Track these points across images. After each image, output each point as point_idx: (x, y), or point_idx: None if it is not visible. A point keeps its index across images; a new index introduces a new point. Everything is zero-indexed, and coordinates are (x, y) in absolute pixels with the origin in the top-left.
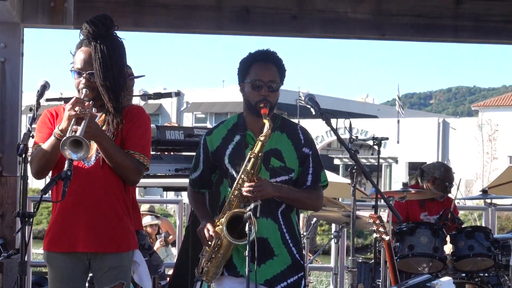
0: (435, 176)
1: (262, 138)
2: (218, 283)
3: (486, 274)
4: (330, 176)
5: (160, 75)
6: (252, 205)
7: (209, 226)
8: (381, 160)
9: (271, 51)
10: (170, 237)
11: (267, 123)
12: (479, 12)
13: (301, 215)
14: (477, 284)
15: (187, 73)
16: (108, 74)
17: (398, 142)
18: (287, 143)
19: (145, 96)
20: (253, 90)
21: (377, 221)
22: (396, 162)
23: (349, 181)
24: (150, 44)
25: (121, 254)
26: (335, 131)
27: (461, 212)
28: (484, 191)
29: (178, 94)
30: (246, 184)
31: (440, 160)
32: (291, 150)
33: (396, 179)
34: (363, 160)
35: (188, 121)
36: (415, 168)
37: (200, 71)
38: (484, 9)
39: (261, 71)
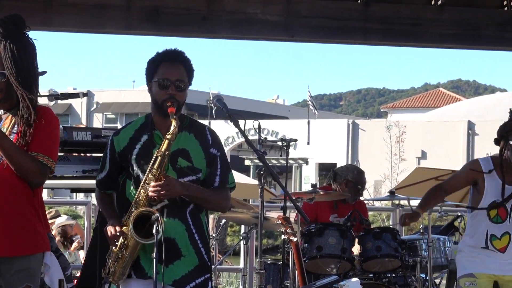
0: (348, 179)
1: (169, 137)
2: (125, 286)
3: (394, 275)
4: (241, 177)
5: (69, 75)
6: (159, 205)
7: (115, 225)
8: (291, 161)
9: (179, 50)
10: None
11: (174, 122)
12: (387, 15)
13: (211, 216)
14: (384, 284)
15: (98, 73)
16: (21, 72)
17: (308, 143)
18: (194, 143)
19: (53, 97)
20: (160, 89)
21: (285, 222)
22: (307, 163)
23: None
24: (59, 44)
25: (28, 257)
26: (243, 132)
27: (370, 213)
28: (392, 192)
29: (86, 94)
30: (153, 183)
31: (349, 161)
32: (198, 150)
33: (307, 180)
34: (274, 161)
35: (98, 121)
36: (325, 169)
37: (110, 71)
38: (393, 11)
39: (169, 71)
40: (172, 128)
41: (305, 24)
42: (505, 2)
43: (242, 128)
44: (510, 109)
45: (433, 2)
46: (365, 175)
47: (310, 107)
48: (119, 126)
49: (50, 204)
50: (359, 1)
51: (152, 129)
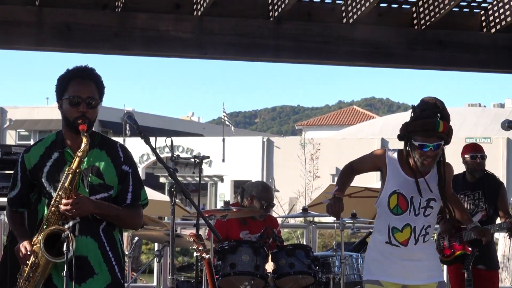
0: (253, 194)
1: (79, 154)
2: None
3: None
4: (155, 194)
5: None
6: (70, 223)
7: (26, 244)
8: (206, 179)
9: (89, 67)
10: None
11: (84, 139)
12: (299, 33)
13: (125, 234)
14: None
15: (10, 90)
16: None
17: (223, 160)
18: (106, 160)
19: None
20: (71, 107)
21: (197, 240)
22: (222, 180)
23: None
24: None
25: None
26: (153, 149)
27: (285, 230)
28: (304, 209)
29: None
30: (64, 201)
31: (264, 178)
32: (110, 167)
33: (222, 197)
34: (189, 179)
35: (11, 138)
36: (240, 186)
37: (23, 88)
38: (304, 29)
39: (79, 88)
40: (83, 145)
41: (217, 42)
42: (415, 21)
43: (153, 146)
44: (412, 105)
45: (344, 21)
46: (272, 191)
47: (227, 123)
48: (32, 143)
49: None
50: (271, 19)
51: (63, 147)
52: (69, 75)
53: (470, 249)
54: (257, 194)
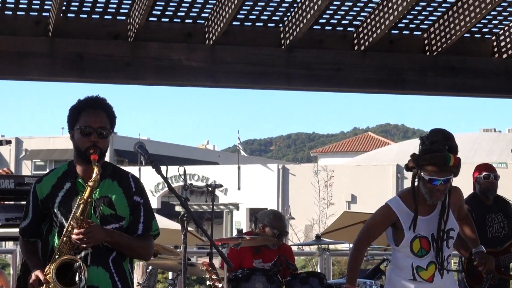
0: (265, 223)
1: (91, 184)
2: None
3: None
4: (170, 223)
5: None
6: (83, 253)
7: (38, 273)
8: (222, 207)
9: (101, 97)
10: None
11: (96, 169)
12: (310, 60)
13: (140, 263)
14: None
15: (25, 120)
16: None
17: (239, 188)
18: (118, 190)
19: None
20: (83, 137)
21: (210, 269)
22: (237, 208)
23: (190, 228)
24: None
25: None
26: (164, 178)
27: (301, 258)
28: (318, 237)
29: (9, 142)
30: (76, 230)
31: (280, 206)
32: (122, 198)
33: (238, 225)
34: (204, 207)
35: (27, 168)
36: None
37: (38, 118)
38: (316, 57)
39: (91, 118)
40: (94, 175)
41: (229, 70)
42: (427, 47)
43: (165, 175)
44: (420, 137)
45: (355, 48)
46: (284, 219)
47: (240, 150)
48: None
49: None
50: (282, 47)
51: (74, 177)
52: (80, 105)
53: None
54: (269, 223)
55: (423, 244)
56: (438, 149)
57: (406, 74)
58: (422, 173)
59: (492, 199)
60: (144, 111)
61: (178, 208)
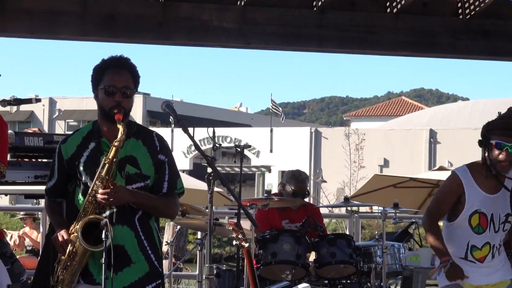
0: (283, 182)
1: (116, 144)
2: None
3: (348, 281)
4: (202, 185)
5: (31, 82)
6: (107, 212)
7: (63, 233)
8: (254, 169)
9: (124, 57)
10: None
11: (121, 128)
12: (342, 22)
13: (171, 223)
14: None
15: (59, 80)
16: None
17: (271, 151)
18: (142, 150)
19: (5, 102)
20: (107, 96)
21: (236, 228)
22: (269, 170)
23: (220, 189)
24: (19, 51)
25: None
26: (192, 138)
27: (333, 221)
28: (346, 199)
29: (39, 100)
30: (101, 190)
31: (312, 169)
32: (146, 157)
33: (270, 187)
34: (236, 169)
35: (60, 129)
36: None
37: (73, 78)
38: (348, 19)
39: (114, 77)
40: (119, 135)
41: (260, 31)
42: (460, 11)
43: (192, 134)
44: (498, 112)
45: (388, 10)
46: (302, 179)
47: (277, 112)
48: None
49: (9, 210)
50: (314, 9)
51: (99, 137)
52: (104, 65)
53: None
54: (287, 182)
55: (481, 221)
56: (511, 116)
57: (438, 37)
58: (490, 140)
59: None
60: (178, 73)
61: (210, 170)
